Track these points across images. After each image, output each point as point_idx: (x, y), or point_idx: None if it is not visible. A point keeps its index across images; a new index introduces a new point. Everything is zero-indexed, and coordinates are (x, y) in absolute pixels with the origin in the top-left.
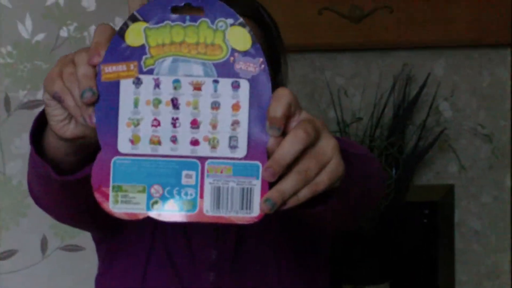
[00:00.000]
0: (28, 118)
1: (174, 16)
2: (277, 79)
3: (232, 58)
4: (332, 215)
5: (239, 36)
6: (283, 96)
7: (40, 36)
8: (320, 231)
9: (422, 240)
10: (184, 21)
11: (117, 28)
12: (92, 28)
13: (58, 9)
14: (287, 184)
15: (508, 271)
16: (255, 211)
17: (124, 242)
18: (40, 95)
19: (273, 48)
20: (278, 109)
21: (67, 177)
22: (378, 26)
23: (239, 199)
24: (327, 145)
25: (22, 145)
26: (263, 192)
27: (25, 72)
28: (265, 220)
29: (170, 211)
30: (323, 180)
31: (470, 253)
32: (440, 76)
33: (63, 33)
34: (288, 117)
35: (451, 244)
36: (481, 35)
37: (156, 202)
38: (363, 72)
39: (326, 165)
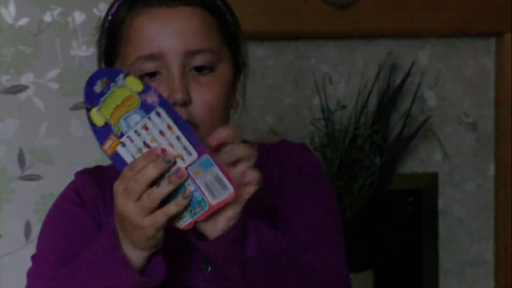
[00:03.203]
0: (12, 102)
1: (101, 93)
2: (237, 62)
3: (143, 98)
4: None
5: (134, 82)
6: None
7: (23, 21)
8: None
9: (406, 228)
10: (108, 91)
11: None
12: (77, 13)
13: None
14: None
15: (491, 259)
16: (229, 188)
17: None
18: (24, 79)
19: (228, 32)
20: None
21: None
22: (363, 14)
23: (218, 185)
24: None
25: (6, 129)
26: (222, 171)
27: (8, 57)
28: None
29: (197, 214)
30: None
31: (454, 241)
32: (424, 64)
33: (47, 17)
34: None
35: (435, 232)
36: (466, 24)
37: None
38: (348, 60)
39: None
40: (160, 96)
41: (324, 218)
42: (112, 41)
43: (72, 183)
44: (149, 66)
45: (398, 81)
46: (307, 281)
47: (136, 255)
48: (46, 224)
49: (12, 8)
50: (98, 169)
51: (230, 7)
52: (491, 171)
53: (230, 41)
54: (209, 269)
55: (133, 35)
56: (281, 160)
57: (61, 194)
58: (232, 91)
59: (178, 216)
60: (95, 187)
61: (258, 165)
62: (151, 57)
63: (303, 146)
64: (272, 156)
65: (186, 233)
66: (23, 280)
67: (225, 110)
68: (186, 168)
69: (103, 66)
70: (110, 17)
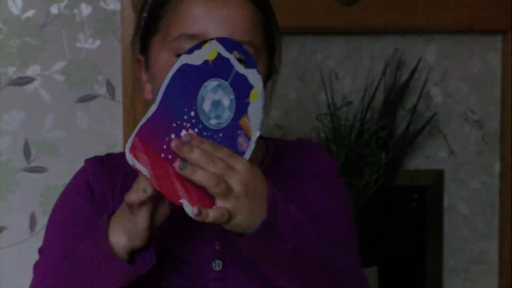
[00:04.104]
0: (18, 94)
1: None
2: (271, 65)
3: None
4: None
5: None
6: None
7: (30, 13)
8: None
9: (411, 225)
10: None
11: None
12: (83, 5)
13: None
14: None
15: (495, 257)
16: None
17: None
18: (30, 71)
19: (270, 32)
20: None
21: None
22: (370, 10)
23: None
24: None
25: (12, 121)
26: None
27: (15, 49)
28: None
29: None
30: None
31: (458, 238)
32: (431, 61)
33: (54, 10)
34: None
35: (439, 229)
36: (472, 21)
37: None
38: (354, 55)
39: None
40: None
41: (344, 222)
42: (154, 16)
43: (83, 171)
44: (189, 46)
45: (404, 77)
46: (336, 280)
47: (123, 246)
48: (54, 216)
49: (18, 0)
50: (109, 157)
51: (273, 9)
52: (496, 168)
53: (270, 41)
54: (220, 267)
55: (181, 12)
56: (298, 160)
57: (71, 183)
58: None
59: None
60: (105, 178)
61: (274, 163)
62: (194, 37)
63: (321, 147)
64: (289, 154)
65: (198, 230)
66: (27, 271)
67: None
68: None
69: (138, 41)
70: None
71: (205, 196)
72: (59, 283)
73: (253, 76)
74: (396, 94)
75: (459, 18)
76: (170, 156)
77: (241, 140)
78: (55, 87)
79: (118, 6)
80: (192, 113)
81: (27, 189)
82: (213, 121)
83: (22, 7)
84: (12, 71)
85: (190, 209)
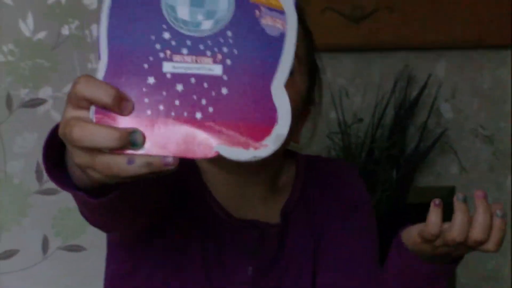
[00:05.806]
0: (30, 116)
1: None
2: (311, 94)
3: None
4: None
5: None
6: None
7: (41, 34)
8: None
9: None
10: None
11: None
12: (94, 26)
13: (59, 7)
14: None
15: (508, 275)
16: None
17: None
18: (42, 93)
19: (311, 49)
20: None
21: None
22: (379, 26)
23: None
24: None
25: (24, 144)
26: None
27: (26, 70)
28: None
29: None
30: None
31: (471, 255)
32: (441, 77)
33: (65, 31)
34: None
35: None
36: (482, 36)
37: None
38: (364, 72)
39: None
40: None
41: (373, 260)
42: None
43: None
44: None
45: (414, 93)
46: None
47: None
48: None
49: (30, 21)
50: None
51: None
52: (508, 184)
53: (311, 60)
54: (251, 271)
55: None
56: (335, 181)
57: None
58: (299, 123)
59: None
60: None
61: (308, 181)
62: None
63: (357, 170)
64: (323, 173)
65: (235, 233)
66: None
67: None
68: None
69: None
70: None
71: (243, 127)
72: None
73: None
74: (406, 110)
75: (468, 34)
76: (161, 107)
77: (268, 20)
78: None
79: None
80: (167, 35)
81: (39, 212)
82: (207, 24)
83: (34, 29)
84: (24, 93)
85: (235, 152)
